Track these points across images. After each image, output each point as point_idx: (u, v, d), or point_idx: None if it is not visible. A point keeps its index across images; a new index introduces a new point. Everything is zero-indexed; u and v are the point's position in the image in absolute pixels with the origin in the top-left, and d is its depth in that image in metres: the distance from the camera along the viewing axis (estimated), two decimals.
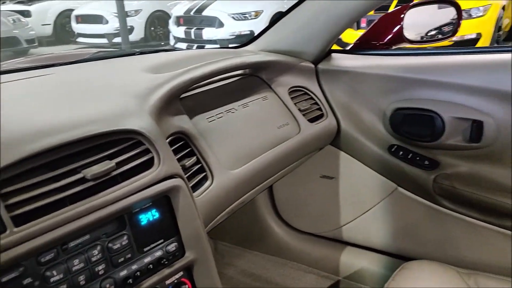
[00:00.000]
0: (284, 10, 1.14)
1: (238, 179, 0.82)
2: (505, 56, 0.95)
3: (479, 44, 4.56)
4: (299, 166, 1.13)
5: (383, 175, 1.14)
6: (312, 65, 1.14)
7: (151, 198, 0.59)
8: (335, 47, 1.17)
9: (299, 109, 1.05)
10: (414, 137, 1.05)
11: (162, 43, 7.84)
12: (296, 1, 1.09)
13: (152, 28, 7.89)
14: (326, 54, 1.15)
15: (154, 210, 0.60)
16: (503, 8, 5.13)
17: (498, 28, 5.04)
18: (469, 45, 4.56)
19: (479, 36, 4.56)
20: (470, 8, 4.48)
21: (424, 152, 1.07)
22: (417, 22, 1.20)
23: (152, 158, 0.60)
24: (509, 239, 1.01)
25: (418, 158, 1.07)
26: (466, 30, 4.53)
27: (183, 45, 6.41)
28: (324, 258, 1.31)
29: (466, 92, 0.98)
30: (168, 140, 0.71)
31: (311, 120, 1.06)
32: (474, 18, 4.50)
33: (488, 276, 0.90)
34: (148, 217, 0.59)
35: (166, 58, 0.95)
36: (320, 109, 1.11)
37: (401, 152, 1.09)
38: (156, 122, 0.66)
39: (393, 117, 1.07)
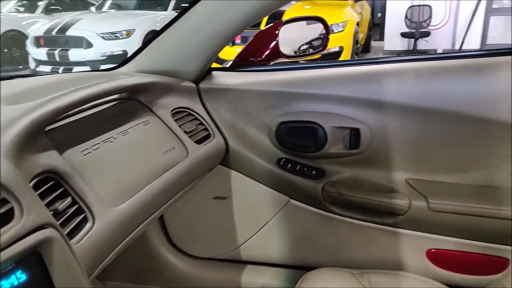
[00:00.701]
0: (157, 28, 1.09)
1: (123, 215, 0.73)
2: (371, 68, 1.04)
3: (342, 56, 5.06)
4: (190, 190, 1.07)
5: (275, 189, 1.15)
6: (194, 85, 1.10)
7: (13, 258, 0.48)
8: (214, 65, 1.15)
9: (185, 131, 1.00)
10: (300, 149, 1.08)
11: (20, 67, 7.07)
12: (170, 20, 1.04)
13: (6, 50, 7.08)
14: (206, 72, 1.13)
15: (20, 272, 0.48)
16: (358, 24, 5.79)
17: (356, 41, 5.66)
18: (334, 58, 5.03)
19: (341, 49, 5.08)
20: (331, 24, 4.94)
21: (310, 162, 1.10)
22: (290, 37, 1.25)
23: (12, 209, 0.49)
24: (390, 235, 1.09)
25: (305, 169, 1.10)
26: (331, 44, 4.98)
27: (46, 68, 5.84)
28: (225, 281, 1.27)
29: (341, 103, 1.04)
30: (33, 183, 0.60)
31: (198, 142, 1.01)
32: (336, 33, 4.98)
33: (378, 273, 0.96)
34: (12, 282, 0.48)
35: (25, 85, 0.82)
36: (206, 129, 1.07)
37: (289, 165, 1.11)
38: (14, 164, 0.54)
39: (278, 131, 1.08)
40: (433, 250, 1.08)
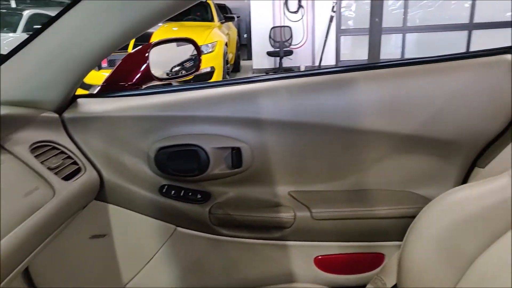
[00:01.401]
0: (4, 52, 0.94)
1: None
2: (246, 87, 1.06)
3: (214, 76, 5.15)
4: (63, 231, 0.95)
5: (160, 219, 1.08)
6: (56, 115, 0.98)
7: None
8: (79, 91, 1.04)
9: (49, 168, 0.87)
10: (183, 173, 1.04)
11: None
12: (20, 42, 0.90)
13: None
14: (71, 100, 1.02)
15: None
16: (226, 44, 5.97)
17: (226, 61, 5.82)
18: (207, 78, 5.09)
19: (213, 69, 5.17)
20: (201, 45, 5.00)
21: (195, 186, 1.07)
22: (161, 60, 1.21)
23: None
24: (280, 248, 1.11)
25: (190, 194, 1.06)
26: (202, 65, 5.03)
27: None
28: None
29: (221, 123, 1.04)
30: None
31: (67, 178, 0.90)
32: (205, 54, 5.05)
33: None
34: None
35: None
36: (75, 163, 0.96)
37: (173, 191, 1.06)
38: None
39: (157, 157, 1.02)
40: (319, 257, 1.12)
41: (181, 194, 1.06)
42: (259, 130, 1.05)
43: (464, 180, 1.13)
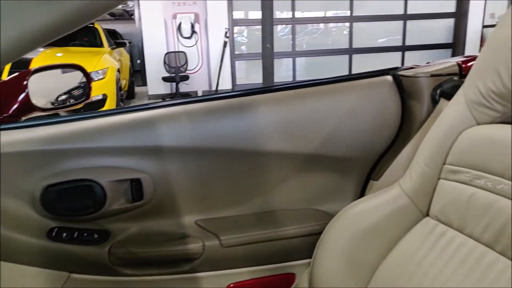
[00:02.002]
0: None
1: None
2: (144, 114, 1.00)
3: (107, 104, 4.89)
4: None
5: (49, 268, 0.96)
6: None
7: None
8: None
9: None
10: (76, 213, 0.94)
11: None
12: None
13: None
14: None
15: None
16: (119, 70, 5.74)
17: (119, 88, 5.58)
18: (99, 106, 4.81)
19: (105, 96, 4.90)
20: (91, 72, 4.73)
21: (90, 225, 0.97)
22: (44, 88, 1.09)
23: None
24: (190, 281, 1.05)
25: (85, 234, 0.96)
26: (93, 92, 4.75)
27: None
28: None
29: (117, 154, 0.96)
30: None
31: None
32: (96, 81, 4.78)
33: None
34: None
35: None
36: None
37: (64, 234, 0.94)
38: None
39: (44, 196, 0.91)
40: (231, 285, 1.09)
41: (75, 236, 0.95)
42: (159, 159, 1.00)
43: (361, 193, 1.19)
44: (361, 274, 0.90)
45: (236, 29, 7.02)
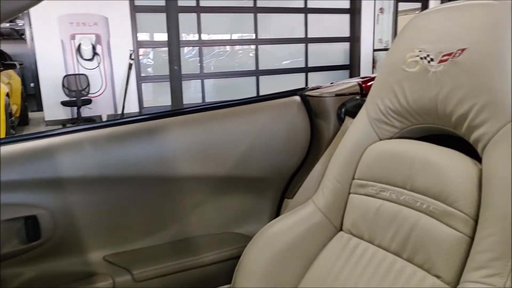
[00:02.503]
0: None
1: None
2: (40, 143, 0.90)
3: None
4: None
5: None
6: None
7: None
8: None
9: None
10: None
11: None
12: None
13: None
14: None
15: None
16: (8, 95, 5.23)
17: (9, 114, 5.07)
18: None
19: None
20: None
21: None
22: None
23: None
24: None
25: None
26: None
27: None
28: None
29: (8, 189, 0.85)
30: None
31: None
32: None
33: None
34: None
35: None
36: None
37: None
38: None
39: None
40: None
41: None
42: (60, 191, 0.90)
43: (277, 212, 1.20)
44: None
45: (141, 51, 6.85)
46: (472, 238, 0.68)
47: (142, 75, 6.89)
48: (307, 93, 1.18)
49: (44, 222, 0.88)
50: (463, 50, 0.73)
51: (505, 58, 0.67)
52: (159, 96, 7.01)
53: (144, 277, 0.98)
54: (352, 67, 8.01)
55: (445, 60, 0.75)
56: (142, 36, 6.76)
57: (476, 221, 0.68)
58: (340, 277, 0.84)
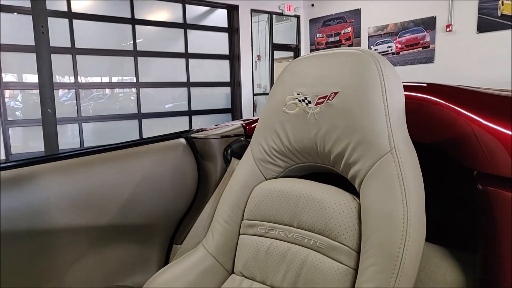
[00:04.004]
0: None
1: None
2: None
3: None
4: None
5: None
6: None
7: None
8: None
9: None
10: None
11: None
12: None
13: None
14: None
15: None
16: None
17: None
18: None
19: None
20: None
21: None
22: None
23: None
24: None
25: None
26: None
27: None
28: None
29: None
30: None
31: None
32: None
33: None
34: None
35: None
36: None
37: None
38: None
39: None
40: None
41: None
42: None
43: (166, 260, 1.15)
44: None
45: (7, 92, 6.21)
46: (356, 270, 0.73)
47: (9, 119, 6.21)
48: (193, 135, 1.18)
49: None
50: (336, 93, 0.80)
51: (371, 100, 0.76)
52: (30, 141, 6.36)
53: None
54: (234, 110, 8.30)
55: (321, 103, 0.82)
56: (8, 77, 6.15)
57: (358, 253, 0.73)
58: None
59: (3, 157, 6.11)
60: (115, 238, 1.05)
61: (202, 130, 1.23)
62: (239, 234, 0.92)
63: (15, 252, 0.90)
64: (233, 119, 8.03)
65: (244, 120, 1.26)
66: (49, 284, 0.96)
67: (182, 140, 1.17)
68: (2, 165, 0.92)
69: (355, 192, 0.79)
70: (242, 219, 0.92)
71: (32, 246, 0.92)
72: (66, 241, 0.97)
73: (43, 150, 4.65)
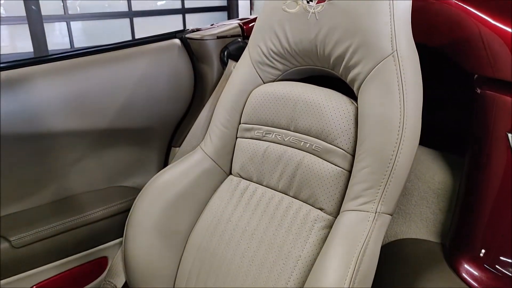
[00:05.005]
0: None
1: None
2: None
3: None
4: None
5: None
6: None
7: None
8: None
9: None
10: None
11: None
12: None
13: None
14: None
15: None
16: None
17: None
18: None
19: None
20: None
21: None
22: None
23: None
24: None
25: None
26: None
27: None
28: None
29: None
30: None
31: None
32: None
33: None
34: None
35: None
36: None
37: None
38: None
39: None
40: (36, 287, 0.96)
41: None
42: None
43: (165, 162, 1.18)
44: (176, 242, 0.91)
45: None
46: (350, 172, 0.76)
47: None
48: (187, 35, 1.13)
49: None
50: None
51: None
52: (17, 41, 6.14)
53: (24, 242, 0.90)
54: (230, 8, 7.91)
55: (323, 1, 0.78)
56: None
57: (353, 156, 0.75)
58: (232, 219, 0.87)
59: None
60: (114, 141, 1.07)
61: (197, 30, 1.18)
62: (237, 138, 0.93)
63: (19, 153, 0.92)
64: (229, 18, 7.70)
65: (241, 20, 1.20)
66: (53, 184, 1.00)
67: (177, 41, 1.13)
68: None
69: (353, 96, 0.79)
70: (239, 123, 0.93)
71: (33, 148, 0.94)
72: (65, 144, 0.99)
73: (32, 50, 4.50)
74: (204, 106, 1.10)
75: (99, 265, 1.06)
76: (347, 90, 0.81)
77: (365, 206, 0.70)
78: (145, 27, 7.01)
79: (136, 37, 6.90)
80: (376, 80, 0.72)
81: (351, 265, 0.64)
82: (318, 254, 0.74)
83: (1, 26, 6.05)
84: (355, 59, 0.75)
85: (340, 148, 0.77)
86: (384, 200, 0.69)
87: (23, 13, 4.05)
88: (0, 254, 0.86)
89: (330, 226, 0.76)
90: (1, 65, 0.92)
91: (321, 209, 0.79)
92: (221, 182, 0.94)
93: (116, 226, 1.03)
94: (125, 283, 1.00)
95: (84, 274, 1.04)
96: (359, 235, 0.67)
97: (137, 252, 0.90)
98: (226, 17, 7.94)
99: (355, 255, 0.65)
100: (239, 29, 1.15)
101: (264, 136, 0.88)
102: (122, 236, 0.94)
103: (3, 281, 0.92)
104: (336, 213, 0.77)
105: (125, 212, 0.95)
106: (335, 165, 0.77)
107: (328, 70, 0.83)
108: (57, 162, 0.98)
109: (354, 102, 0.79)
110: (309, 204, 0.80)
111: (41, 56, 1.03)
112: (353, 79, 0.77)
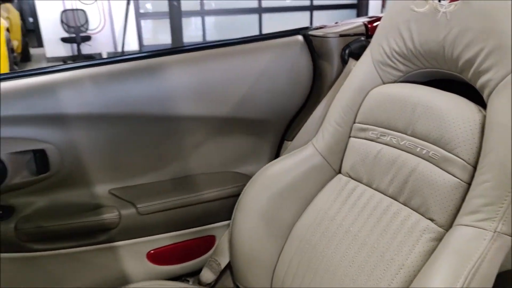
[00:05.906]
0: None
1: None
2: (43, 79, 0.91)
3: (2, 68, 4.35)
4: None
5: None
6: None
7: None
8: None
9: None
10: None
11: None
12: None
13: None
14: None
15: None
16: (8, 30, 5.11)
17: (11, 50, 4.98)
18: None
19: None
20: None
21: None
22: None
23: None
24: (108, 251, 1.02)
25: None
26: None
27: None
28: None
29: (16, 124, 0.87)
30: None
31: None
32: None
33: None
34: None
35: None
36: None
37: None
38: None
39: None
40: (152, 252, 1.08)
41: None
42: (64, 127, 0.92)
43: (277, 154, 1.22)
44: (279, 232, 0.94)
45: None
46: (469, 184, 0.69)
47: (141, 11, 6.69)
48: (310, 32, 1.15)
49: (52, 156, 0.91)
50: None
51: None
52: (159, 34, 6.84)
53: (147, 210, 1.02)
54: (360, 6, 7.71)
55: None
56: None
57: (474, 168, 0.69)
58: (337, 218, 0.87)
59: (137, 48, 6.72)
60: (231, 129, 1.14)
61: (321, 27, 1.19)
62: (349, 137, 0.92)
63: (149, 132, 1.04)
64: (358, 15, 7.51)
65: (368, 18, 1.18)
66: (176, 162, 1.11)
67: (300, 38, 1.15)
68: (138, 55, 1.03)
69: (481, 104, 0.73)
70: (354, 122, 0.91)
71: (161, 128, 1.05)
72: (189, 128, 1.08)
73: (170, 42, 4.98)
74: (320, 102, 1.11)
75: (208, 242, 1.15)
76: (474, 96, 0.74)
77: (483, 223, 0.64)
78: (273, 23, 7.23)
79: (264, 32, 7.16)
80: (510, 87, 0.65)
81: (459, 283, 0.59)
82: (422, 265, 0.70)
83: (147, 20, 6.80)
84: (487, 64, 0.69)
85: (460, 158, 0.71)
86: (506, 220, 0.62)
87: (166, 9, 4.51)
88: (121, 218, 0.99)
89: (439, 239, 0.71)
90: (144, 54, 1.05)
91: (431, 220, 0.74)
92: (329, 180, 0.94)
93: (226, 208, 1.10)
94: (229, 263, 1.06)
95: (193, 248, 1.13)
96: (472, 253, 0.62)
97: (242, 235, 0.95)
98: (355, 15, 7.76)
99: (464, 273, 0.60)
100: (363, 28, 1.12)
101: (379, 137, 0.86)
102: (230, 219, 1.01)
103: (127, 242, 1.06)
104: (447, 226, 0.71)
105: (236, 196, 1.01)
106: (453, 175, 0.72)
107: (455, 74, 0.78)
108: (180, 144, 1.09)
109: (482, 110, 0.72)
110: (419, 213, 0.76)
111: (177, 47, 1.14)
112: (483, 85, 0.71)
